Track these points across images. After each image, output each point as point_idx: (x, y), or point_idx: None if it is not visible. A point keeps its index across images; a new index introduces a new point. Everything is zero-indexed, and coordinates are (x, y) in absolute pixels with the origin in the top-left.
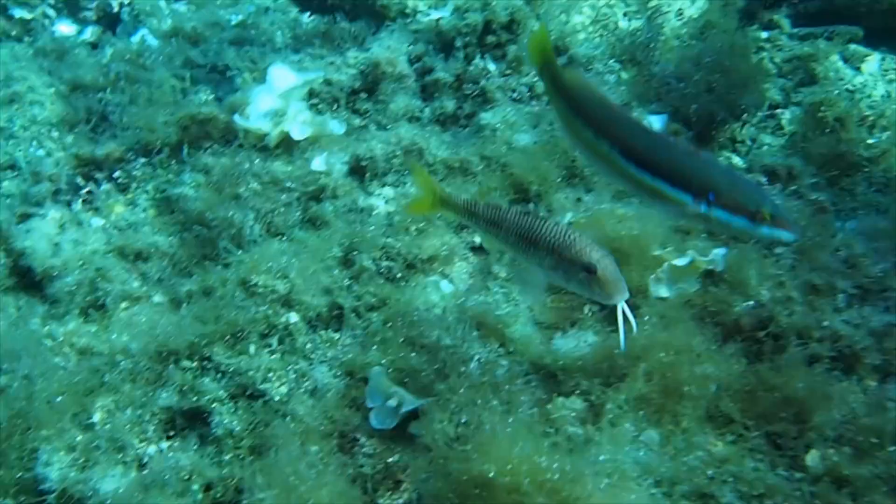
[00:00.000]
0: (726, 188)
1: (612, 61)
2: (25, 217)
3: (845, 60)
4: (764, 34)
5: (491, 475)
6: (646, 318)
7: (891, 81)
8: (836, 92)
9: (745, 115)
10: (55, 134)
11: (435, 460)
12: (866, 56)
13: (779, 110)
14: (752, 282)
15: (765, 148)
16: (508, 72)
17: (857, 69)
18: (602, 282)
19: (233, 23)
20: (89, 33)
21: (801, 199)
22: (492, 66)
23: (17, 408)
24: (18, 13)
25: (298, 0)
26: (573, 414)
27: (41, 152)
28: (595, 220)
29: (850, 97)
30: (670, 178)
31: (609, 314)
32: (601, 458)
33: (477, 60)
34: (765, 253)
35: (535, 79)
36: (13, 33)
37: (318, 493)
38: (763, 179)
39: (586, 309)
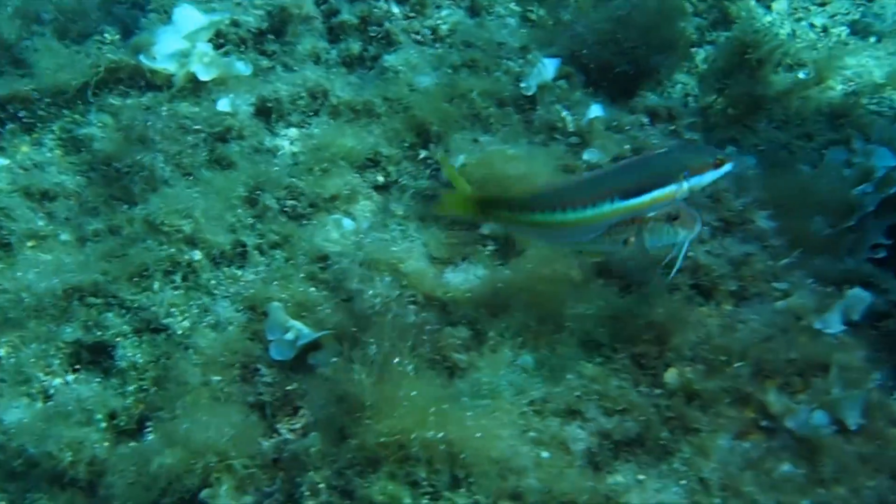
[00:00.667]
0: (693, 159)
1: (512, 4)
2: None
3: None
4: None
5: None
6: (530, 254)
7: (799, 20)
8: (764, 30)
9: (657, 75)
10: None
11: (332, 389)
12: None
13: (693, 49)
14: None
15: (678, 87)
16: (412, 14)
17: (768, 8)
18: (685, 220)
19: None
20: None
21: (678, 137)
22: (395, 9)
23: None
24: None
25: None
26: (459, 342)
27: None
28: (485, 160)
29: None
30: (659, 184)
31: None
32: (482, 380)
33: (381, 3)
34: None
35: (439, 21)
36: None
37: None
38: (645, 120)
39: (479, 245)
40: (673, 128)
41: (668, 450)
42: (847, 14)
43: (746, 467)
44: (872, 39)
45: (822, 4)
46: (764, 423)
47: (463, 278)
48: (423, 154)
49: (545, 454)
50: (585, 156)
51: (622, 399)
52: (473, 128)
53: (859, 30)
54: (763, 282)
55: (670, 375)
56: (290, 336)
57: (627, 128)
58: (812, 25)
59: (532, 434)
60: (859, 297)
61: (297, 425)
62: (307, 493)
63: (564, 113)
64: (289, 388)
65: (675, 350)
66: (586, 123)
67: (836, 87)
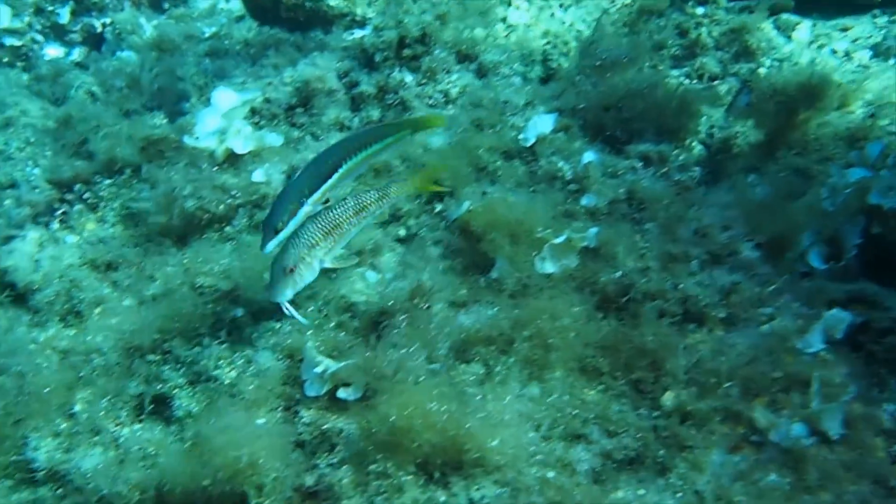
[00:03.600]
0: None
1: (517, 65)
2: (8, 239)
3: (778, 29)
4: (700, 10)
5: (392, 419)
6: (533, 291)
7: (821, 47)
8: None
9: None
10: (48, 153)
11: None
12: (797, 24)
13: (716, 82)
14: (620, 256)
15: (703, 118)
16: (424, 81)
17: (789, 38)
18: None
19: (206, 35)
20: (77, 54)
21: (668, 179)
22: (408, 78)
23: (7, 402)
24: (8, 41)
25: (256, 14)
26: (473, 377)
27: (37, 171)
28: (489, 206)
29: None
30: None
31: None
32: (488, 407)
33: (396, 73)
34: (636, 229)
35: (449, 85)
36: (5, 60)
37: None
38: (638, 164)
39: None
40: (666, 169)
41: (665, 466)
42: (869, 38)
43: (737, 479)
44: (892, 61)
45: (845, 29)
46: (753, 438)
47: (475, 318)
48: (438, 208)
49: (550, 474)
50: (584, 201)
51: (622, 421)
52: (481, 181)
53: (881, 52)
54: (751, 308)
55: (668, 398)
56: (319, 370)
57: (621, 172)
58: (834, 51)
59: (539, 457)
60: (838, 318)
61: (335, 460)
62: None
63: (561, 163)
64: (325, 426)
65: (670, 374)
66: (582, 169)
67: (857, 111)
